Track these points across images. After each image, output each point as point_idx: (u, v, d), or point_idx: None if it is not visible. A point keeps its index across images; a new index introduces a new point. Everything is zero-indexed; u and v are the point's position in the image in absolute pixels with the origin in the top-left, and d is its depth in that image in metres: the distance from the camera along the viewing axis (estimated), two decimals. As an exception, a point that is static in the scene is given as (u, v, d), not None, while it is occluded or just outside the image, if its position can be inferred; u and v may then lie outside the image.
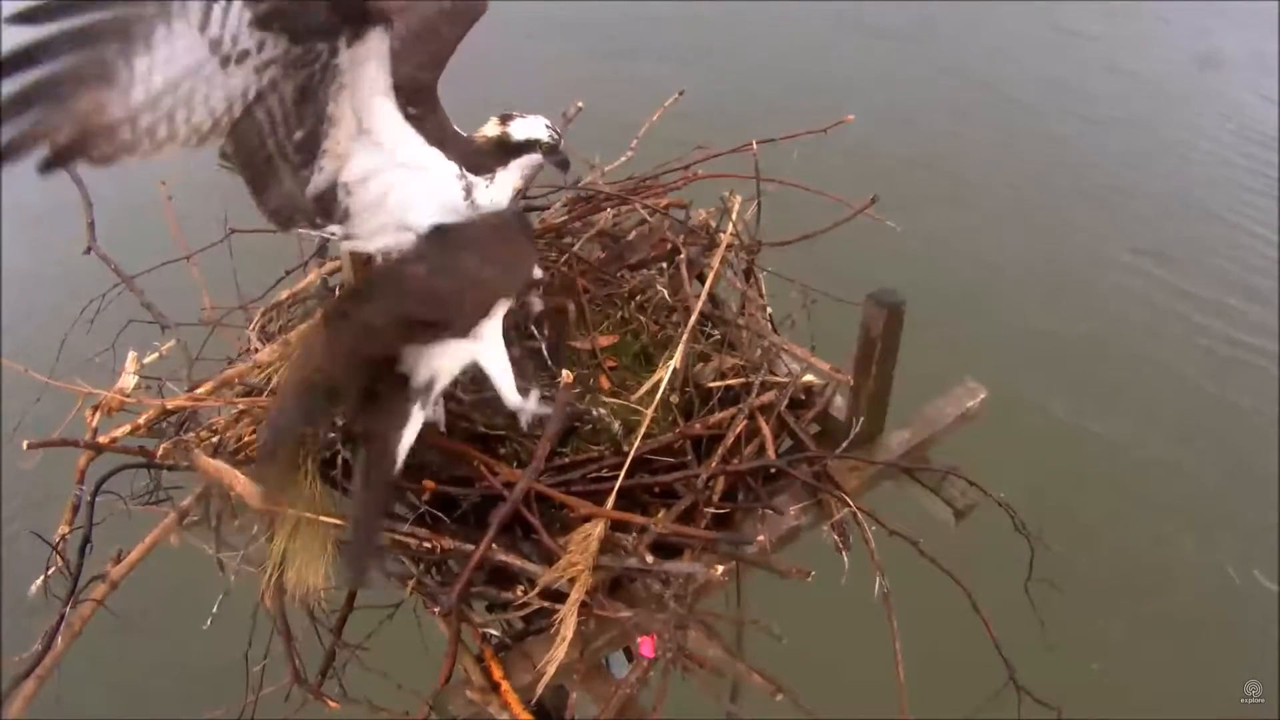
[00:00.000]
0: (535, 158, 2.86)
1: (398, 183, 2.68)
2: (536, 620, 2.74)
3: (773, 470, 2.99)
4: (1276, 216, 10.07)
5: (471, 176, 2.75)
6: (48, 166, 1.84)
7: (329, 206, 2.54)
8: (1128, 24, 13.63)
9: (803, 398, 3.25)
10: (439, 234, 2.61)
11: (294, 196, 2.42)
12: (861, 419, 3.10)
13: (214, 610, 2.89)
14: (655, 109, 4.02)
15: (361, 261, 3.26)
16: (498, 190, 2.82)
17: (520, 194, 3.54)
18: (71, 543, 2.66)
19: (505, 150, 2.81)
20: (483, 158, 2.79)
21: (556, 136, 2.86)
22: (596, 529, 2.60)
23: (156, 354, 3.02)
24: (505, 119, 2.83)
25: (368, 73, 2.30)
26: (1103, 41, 13.18)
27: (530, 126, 2.83)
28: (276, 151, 2.29)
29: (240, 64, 2.02)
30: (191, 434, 2.73)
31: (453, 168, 2.73)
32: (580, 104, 3.75)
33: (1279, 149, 11.17)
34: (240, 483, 2.37)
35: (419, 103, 2.69)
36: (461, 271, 2.61)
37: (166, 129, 2.01)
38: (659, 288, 3.44)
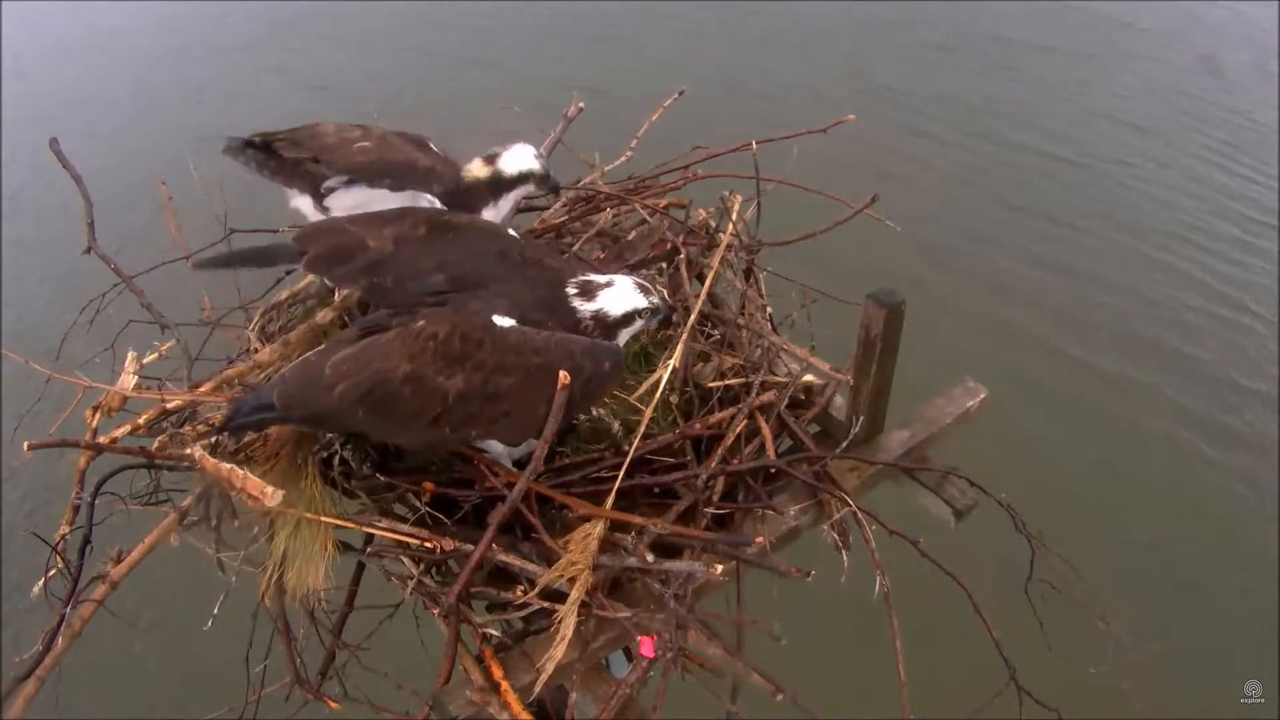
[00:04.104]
0: (528, 188, 2.93)
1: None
2: (536, 620, 2.74)
3: (773, 470, 2.99)
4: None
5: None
6: None
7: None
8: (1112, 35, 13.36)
9: (803, 398, 3.25)
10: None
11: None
12: (861, 419, 3.10)
13: (215, 611, 2.88)
14: (655, 109, 4.02)
15: None
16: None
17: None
18: (71, 543, 2.66)
19: (497, 187, 2.86)
20: (471, 198, 2.86)
21: (546, 164, 2.96)
22: (596, 529, 2.61)
23: (156, 354, 3.02)
24: (490, 158, 2.89)
25: None
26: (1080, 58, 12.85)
27: (519, 159, 2.89)
28: None
29: None
30: (188, 428, 2.72)
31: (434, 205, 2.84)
32: (581, 104, 3.76)
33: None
34: (250, 482, 2.36)
35: None
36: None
37: None
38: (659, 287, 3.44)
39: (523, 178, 2.91)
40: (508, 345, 2.44)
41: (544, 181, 2.96)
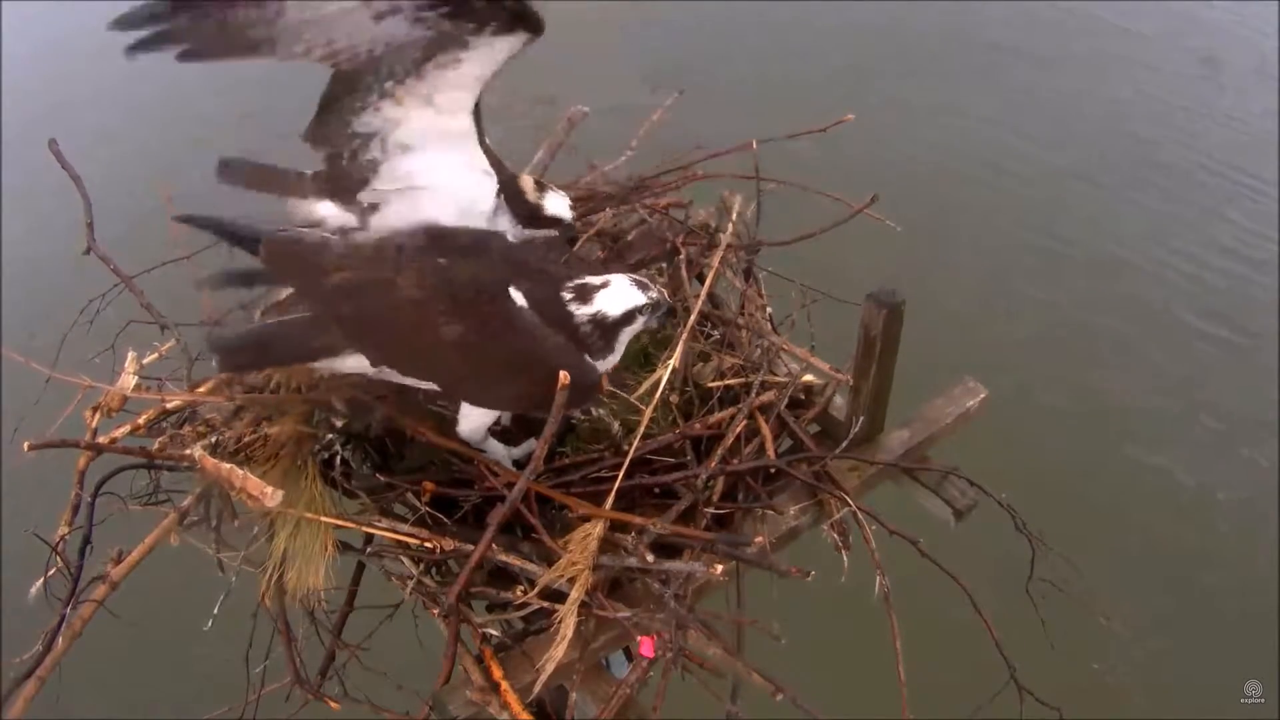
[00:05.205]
0: (553, 234, 2.96)
1: (432, 167, 2.64)
2: (536, 620, 2.74)
3: (773, 470, 2.99)
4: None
5: (502, 203, 2.78)
6: (184, 58, 2.14)
7: (361, 159, 2.55)
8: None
9: (803, 398, 3.25)
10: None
11: (343, 129, 2.47)
12: (861, 419, 3.10)
13: (214, 611, 2.89)
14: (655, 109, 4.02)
15: None
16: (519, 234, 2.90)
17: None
18: (71, 543, 2.66)
19: (534, 218, 2.87)
20: (516, 205, 2.85)
21: (576, 215, 2.99)
22: (596, 529, 2.61)
23: (156, 354, 3.02)
24: (541, 187, 2.88)
25: (475, 66, 2.34)
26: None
27: (559, 206, 2.90)
28: (365, 82, 2.36)
29: (391, 18, 2.15)
30: (188, 428, 2.73)
31: (493, 184, 2.72)
32: (585, 109, 3.77)
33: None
34: (250, 482, 2.36)
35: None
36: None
37: (303, 49, 2.20)
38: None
39: (555, 220, 2.92)
40: (517, 321, 2.41)
41: (569, 229, 3.00)
